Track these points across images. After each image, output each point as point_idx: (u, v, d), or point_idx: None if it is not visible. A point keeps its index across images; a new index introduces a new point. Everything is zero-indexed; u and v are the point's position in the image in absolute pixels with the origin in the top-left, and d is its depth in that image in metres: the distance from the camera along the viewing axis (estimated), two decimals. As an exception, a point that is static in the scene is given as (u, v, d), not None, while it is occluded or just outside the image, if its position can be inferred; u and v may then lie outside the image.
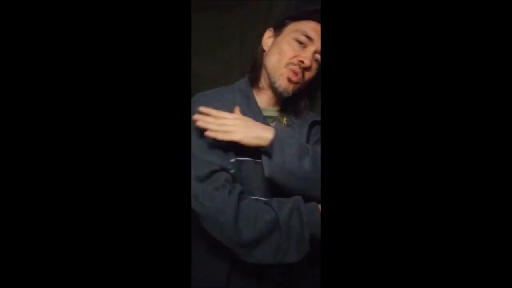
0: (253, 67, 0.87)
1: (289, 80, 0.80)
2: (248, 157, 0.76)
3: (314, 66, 0.82)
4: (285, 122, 0.87)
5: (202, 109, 0.72)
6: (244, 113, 0.78)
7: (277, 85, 0.81)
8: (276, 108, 0.88)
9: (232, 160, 0.75)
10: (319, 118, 0.88)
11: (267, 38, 0.87)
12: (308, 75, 0.82)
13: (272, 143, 0.72)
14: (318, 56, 0.81)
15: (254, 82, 0.86)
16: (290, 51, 0.80)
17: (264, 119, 0.81)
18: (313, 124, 0.87)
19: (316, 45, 0.80)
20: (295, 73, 0.80)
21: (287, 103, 0.88)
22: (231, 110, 0.77)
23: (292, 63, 0.79)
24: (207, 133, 0.71)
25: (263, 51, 0.86)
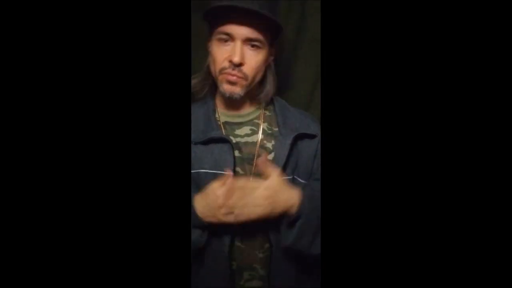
0: (200, 73, 0.84)
1: (229, 82, 0.77)
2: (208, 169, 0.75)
3: (251, 54, 0.76)
4: (266, 129, 0.83)
5: (260, 162, 0.70)
6: (204, 134, 0.77)
7: (223, 92, 0.78)
8: (249, 110, 0.84)
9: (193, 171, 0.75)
10: (309, 130, 0.83)
11: (208, 44, 0.82)
12: (248, 68, 0.76)
13: (298, 213, 0.70)
14: (251, 43, 0.76)
15: (206, 84, 0.84)
16: (219, 56, 0.77)
17: (219, 133, 0.78)
18: (302, 136, 0.82)
19: (241, 36, 0.74)
20: (230, 75, 0.76)
21: (257, 99, 0.84)
22: (200, 128, 0.78)
23: (225, 67, 0.76)
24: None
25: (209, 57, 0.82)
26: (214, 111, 0.83)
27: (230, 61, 0.75)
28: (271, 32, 0.78)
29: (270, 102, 0.87)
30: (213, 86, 0.84)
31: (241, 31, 0.74)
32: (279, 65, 1.06)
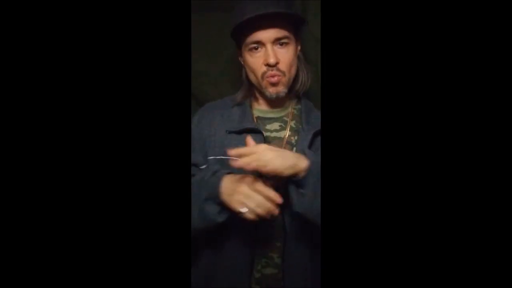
0: (243, 86, 0.92)
1: (273, 85, 0.83)
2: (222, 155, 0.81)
3: (282, 52, 0.83)
4: (293, 126, 0.89)
5: (231, 153, 0.72)
6: (239, 125, 0.85)
7: (268, 95, 0.85)
8: (279, 108, 0.91)
9: (210, 157, 0.82)
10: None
11: (240, 59, 0.90)
12: (284, 64, 0.83)
13: (306, 174, 0.72)
14: (280, 41, 0.82)
15: (249, 94, 0.92)
16: (256, 64, 0.83)
17: (252, 124, 0.86)
18: (316, 134, 0.87)
19: (269, 39, 0.81)
20: (272, 77, 0.82)
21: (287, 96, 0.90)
22: (229, 124, 0.86)
23: (265, 72, 0.83)
24: (249, 167, 0.70)
25: (245, 68, 0.90)
26: (250, 107, 0.90)
27: (267, 64, 0.81)
28: (294, 26, 0.84)
29: (299, 102, 0.94)
30: (253, 93, 0.92)
31: (268, 34, 0.80)
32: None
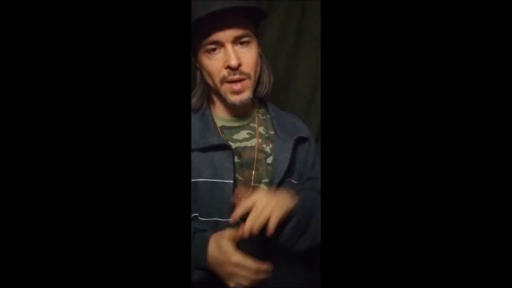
0: (197, 89, 0.81)
1: (235, 92, 0.74)
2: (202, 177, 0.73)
3: (244, 52, 0.74)
4: (263, 133, 0.81)
5: (235, 217, 0.67)
6: (202, 141, 0.74)
7: (230, 102, 0.75)
8: (244, 115, 0.82)
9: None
10: (303, 133, 0.83)
11: (193, 58, 0.80)
12: (247, 66, 0.74)
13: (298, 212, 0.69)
14: (241, 40, 0.73)
15: (204, 99, 0.81)
16: (214, 67, 0.73)
17: (219, 139, 0.75)
18: (300, 140, 0.81)
19: (228, 38, 0.71)
20: (233, 82, 0.73)
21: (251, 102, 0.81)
22: (198, 134, 0.75)
23: (225, 76, 0.73)
24: (254, 232, 0.66)
25: (200, 71, 0.80)
26: (211, 116, 0.79)
27: (228, 67, 0.72)
28: (253, 23, 0.76)
29: (263, 105, 0.86)
30: (209, 97, 0.81)
31: (227, 33, 0.71)
32: (279, 66, 1.07)
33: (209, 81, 0.76)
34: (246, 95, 0.75)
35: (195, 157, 0.72)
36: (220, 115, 0.80)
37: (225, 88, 0.74)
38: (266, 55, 0.84)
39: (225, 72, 0.73)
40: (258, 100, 0.84)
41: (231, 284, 0.66)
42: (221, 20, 0.70)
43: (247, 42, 0.74)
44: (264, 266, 0.65)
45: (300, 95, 1.06)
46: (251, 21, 0.74)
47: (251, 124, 0.81)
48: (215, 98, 0.80)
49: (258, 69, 0.77)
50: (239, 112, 0.80)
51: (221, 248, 0.65)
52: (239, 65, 0.72)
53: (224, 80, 0.73)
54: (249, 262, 0.65)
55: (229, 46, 0.72)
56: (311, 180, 0.80)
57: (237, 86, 0.73)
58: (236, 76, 0.73)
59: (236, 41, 0.72)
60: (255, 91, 0.78)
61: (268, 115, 0.85)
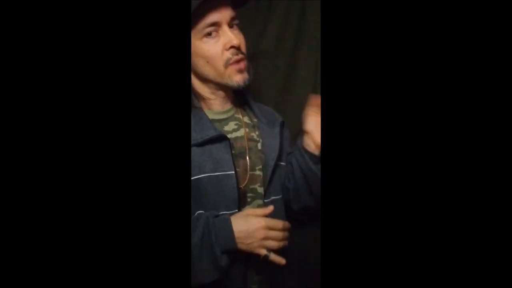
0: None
1: (240, 71, 0.75)
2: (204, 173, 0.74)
3: (237, 33, 0.75)
4: (248, 122, 0.84)
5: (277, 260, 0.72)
6: (199, 135, 0.74)
7: (234, 84, 0.76)
8: (229, 106, 0.83)
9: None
10: (278, 118, 0.88)
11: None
12: (244, 46, 0.76)
13: None
14: (234, 22, 0.75)
15: (196, 98, 0.80)
16: (214, 51, 0.73)
17: (216, 131, 0.76)
18: (282, 124, 0.87)
19: (226, 19, 0.73)
20: (238, 62, 0.74)
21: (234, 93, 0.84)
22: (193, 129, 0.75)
23: (229, 58, 0.73)
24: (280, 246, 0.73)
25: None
26: (203, 110, 0.79)
27: (232, 47, 0.72)
28: (235, 8, 0.77)
29: (241, 95, 0.87)
30: (196, 93, 0.81)
31: (224, 14, 0.72)
32: (279, 66, 1.06)
33: (208, 70, 0.75)
34: (247, 75, 0.76)
35: (194, 153, 0.72)
36: (208, 109, 0.81)
37: (229, 71, 0.74)
38: (265, 54, 0.87)
39: (228, 53, 0.73)
40: (236, 92, 0.85)
41: (262, 251, 0.70)
42: (218, 2, 0.71)
43: (236, 25, 0.76)
44: (287, 223, 0.74)
45: (300, 95, 1.06)
46: (234, 8, 0.76)
47: (236, 115, 0.83)
48: (202, 93, 0.79)
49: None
50: (224, 103, 0.82)
51: (248, 217, 0.71)
52: (240, 43, 0.74)
53: (228, 62, 0.73)
54: (278, 221, 0.72)
55: (226, 28, 0.73)
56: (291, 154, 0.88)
57: (241, 65, 0.74)
58: (240, 56, 0.74)
59: (231, 22, 0.74)
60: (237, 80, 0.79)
61: (247, 105, 0.87)
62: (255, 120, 0.85)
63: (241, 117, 0.83)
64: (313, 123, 0.80)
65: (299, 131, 0.85)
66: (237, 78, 0.75)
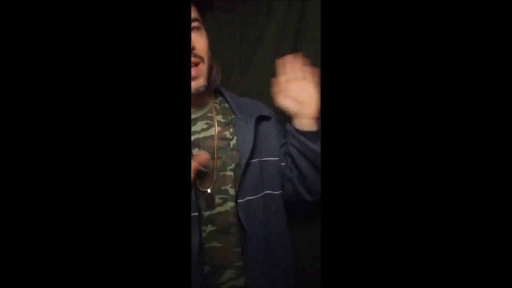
0: None
1: (192, 78, 0.74)
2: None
3: (196, 36, 0.74)
4: (222, 120, 0.81)
5: None
6: None
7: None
8: (202, 104, 0.82)
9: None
10: (262, 112, 0.84)
11: None
12: (200, 49, 0.74)
13: None
14: (192, 25, 0.73)
15: None
16: None
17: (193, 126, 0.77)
18: (261, 118, 0.83)
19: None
20: (192, 67, 0.73)
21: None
22: None
23: None
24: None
25: None
26: None
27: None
28: (201, 10, 0.76)
29: (219, 94, 0.86)
30: None
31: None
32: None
33: None
34: (201, 81, 0.75)
35: None
36: None
37: None
38: (265, 55, 0.85)
39: None
40: (214, 91, 0.84)
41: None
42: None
43: (197, 28, 0.75)
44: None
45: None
46: (198, 9, 0.75)
47: (208, 114, 0.81)
48: None
49: (210, 55, 0.77)
50: (194, 104, 0.79)
51: None
52: (193, 48, 0.72)
53: None
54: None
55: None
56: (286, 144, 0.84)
57: (192, 72, 0.72)
58: (194, 59, 0.72)
59: (194, 20, 0.73)
60: (208, 79, 0.78)
61: (226, 104, 0.85)
62: (231, 117, 0.82)
63: (214, 115, 0.81)
64: (295, 93, 0.77)
65: (287, 118, 0.82)
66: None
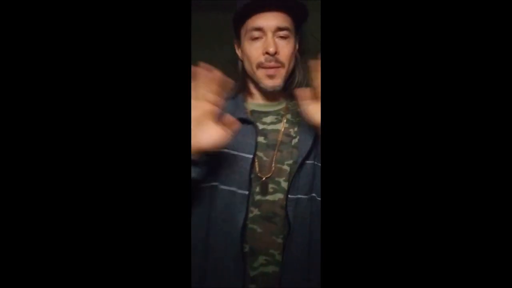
0: (238, 80, 0.89)
1: (269, 76, 0.82)
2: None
3: (282, 43, 0.82)
4: (290, 118, 0.87)
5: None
6: (232, 111, 0.81)
7: (263, 87, 0.84)
8: (277, 101, 0.90)
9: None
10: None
11: (237, 50, 0.90)
12: (283, 56, 0.82)
13: None
14: (281, 33, 0.81)
15: (243, 89, 0.90)
16: (254, 52, 0.82)
17: (245, 115, 0.84)
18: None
19: (271, 28, 0.80)
20: (269, 68, 0.81)
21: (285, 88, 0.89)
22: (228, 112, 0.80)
23: (261, 62, 0.81)
24: None
25: (241, 61, 0.89)
26: (243, 101, 0.88)
27: (267, 53, 0.80)
28: (295, 21, 0.84)
29: (293, 99, 0.91)
30: (246, 85, 0.90)
31: (271, 22, 0.80)
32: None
33: (247, 67, 0.85)
34: (278, 81, 0.83)
35: None
36: (253, 101, 0.90)
37: (260, 73, 0.83)
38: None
39: (262, 58, 0.81)
40: (290, 94, 0.90)
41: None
42: (267, 8, 0.79)
43: (286, 37, 0.82)
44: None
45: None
46: (293, 19, 0.83)
47: (281, 112, 0.89)
48: (251, 89, 0.89)
49: (293, 62, 0.85)
50: (271, 99, 0.89)
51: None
52: (276, 52, 0.80)
53: (260, 66, 0.82)
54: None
55: (270, 35, 0.80)
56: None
57: (271, 71, 0.81)
58: (272, 63, 0.81)
59: (277, 32, 0.81)
60: (286, 81, 0.86)
61: (298, 108, 0.89)
62: (299, 119, 0.88)
63: (285, 113, 0.89)
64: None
65: None
66: (265, 82, 0.83)
